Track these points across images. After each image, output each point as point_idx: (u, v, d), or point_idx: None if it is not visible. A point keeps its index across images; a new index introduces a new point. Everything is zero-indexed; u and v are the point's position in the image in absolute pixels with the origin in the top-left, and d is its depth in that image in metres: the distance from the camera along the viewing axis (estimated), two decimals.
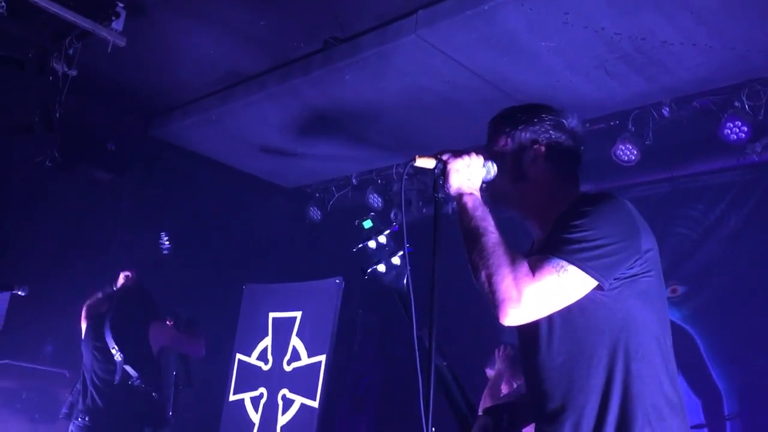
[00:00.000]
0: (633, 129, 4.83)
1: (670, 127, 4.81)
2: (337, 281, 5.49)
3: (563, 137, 2.03)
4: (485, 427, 2.00)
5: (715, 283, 4.81)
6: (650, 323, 1.79)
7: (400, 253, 2.03)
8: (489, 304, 1.71)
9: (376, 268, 1.98)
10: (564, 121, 2.04)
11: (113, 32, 4.21)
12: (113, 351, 4.63)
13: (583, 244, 1.69)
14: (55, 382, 5.55)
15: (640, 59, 4.18)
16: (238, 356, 6.32)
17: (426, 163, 1.86)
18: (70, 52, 4.46)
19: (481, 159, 1.89)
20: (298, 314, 5.98)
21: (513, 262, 1.70)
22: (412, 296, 1.92)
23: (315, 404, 5.48)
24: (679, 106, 4.65)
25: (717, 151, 4.76)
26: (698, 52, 4.05)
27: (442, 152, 1.88)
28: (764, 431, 4.31)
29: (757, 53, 4.04)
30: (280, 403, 5.93)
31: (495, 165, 1.94)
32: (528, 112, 2.05)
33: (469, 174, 1.85)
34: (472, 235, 1.77)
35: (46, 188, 5.49)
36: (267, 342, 6.11)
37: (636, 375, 1.74)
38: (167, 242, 4.77)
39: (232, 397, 6.25)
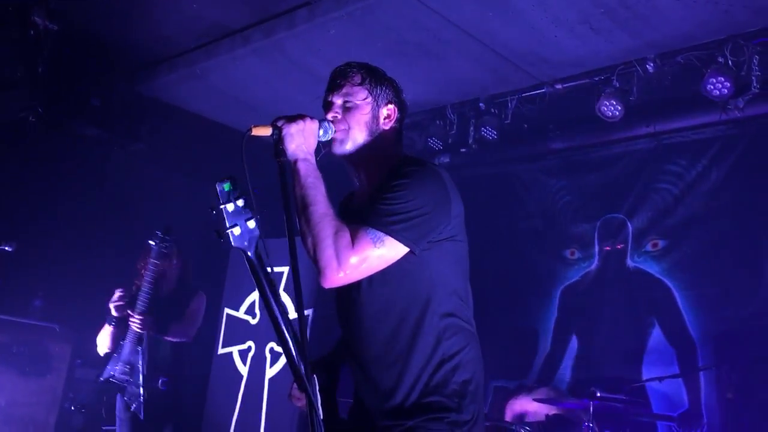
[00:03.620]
0: (617, 85, 4.85)
1: (654, 83, 4.84)
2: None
3: (403, 104, 2.24)
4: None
5: (694, 237, 4.90)
6: (453, 281, 2.03)
7: (257, 216, 2.06)
8: (314, 268, 1.90)
9: (231, 232, 2.00)
10: (402, 90, 2.26)
11: None
12: None
13: (398, 216, 1.89)
14: (46, 336, 5.60)
15: (624, 14, 4.17)
16: (227, 310, 6.40)
17: (263, 131, 1.95)
18: (51, 5, 4.40)
19: (316, 123, 2.01)
20: (285, 269, 6.05)
21: (336, 233, 1.87)
22: (264, 262, 2.00)
23: None
24: (663, 62, 4.66)
25: (700, 106, 4.80)
26: (682, 6, 4.05)
27: (278, 119, 1.98)
28: (736, 382, 4.44)
29: (741, 8, 4.04)
30: (268, 356, 6.03)
31: (333, 126, 2.07)
32: (382, 74, 2.22)
33: (303, 138, 1.96)
34: (302, 203, 1.93)
35: (31, 144, 5.48)
36: (255, 296, 6.19)
37: (442, 326, 1.98)
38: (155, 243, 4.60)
39: (220, 351, 6.35)
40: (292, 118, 1.98)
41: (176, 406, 4.49)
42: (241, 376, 6.14)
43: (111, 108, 5.76)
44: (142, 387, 4.28)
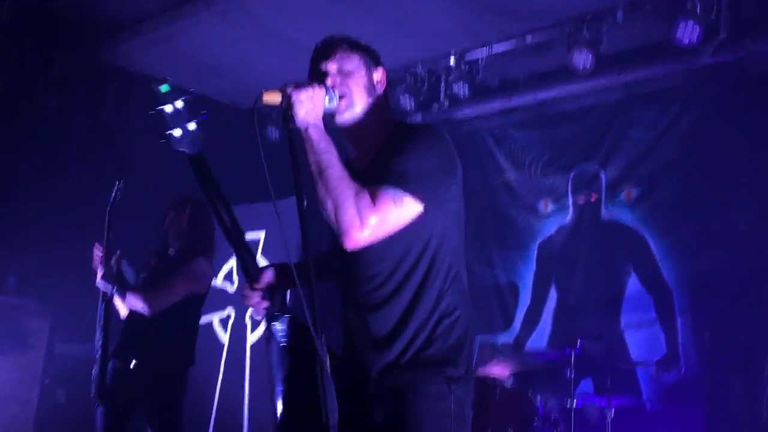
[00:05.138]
0: (587, 35, 4.83)
1: (623, 32, 4.83)
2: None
3: (385, 69, 2.25)
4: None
5: (667, 185, 4.95)
6: (456, 240, 2.10)
7: (197, 118, 2.08)
8: (335, 230, 1.93)
9: (171, 133, 2.03)
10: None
11: None
12: None
13: (414, 175, 1.94)
14: (22, 313, 5.54)
15: None
16: None
17: (272, 97, 1.95)
18: None
19: (323, 90, 2.01)
20: (261, 234, 6.03)
21: (356, 194, 1.90)
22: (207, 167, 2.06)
23: None
24: (633, 10, 4.65)
25: (670, 54, 4.81)
26: None
27: (286, 85, 1.97)
28: (712, 324, 4.55)
29: None
30: (249, 322, 6.05)
31: (338, 94, 2.06)
32: (362, 43, 2.23)
33: (312, 105, 1.96)
34: (318, 168, 1.93)
35: None
36: (232, 263, 6.17)
37: (445, 282, 2.04)
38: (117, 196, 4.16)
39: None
40: (301, 85, 1.96)
41: (149, 390, 3.80)
42: (223, 344, 6.15)
43: (74, 77, 5.62)
44: (97, 365, 3.70)
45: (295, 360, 2.04)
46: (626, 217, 5.11)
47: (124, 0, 5.07)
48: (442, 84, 5.70)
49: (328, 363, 1.77)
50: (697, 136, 4.86)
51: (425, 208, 1.96)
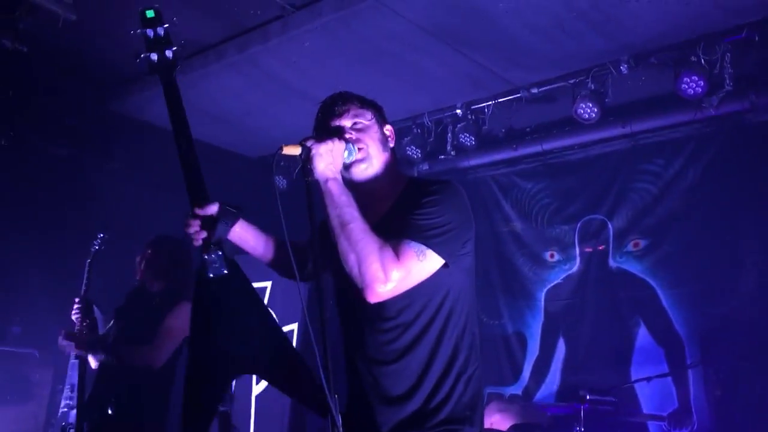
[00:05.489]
0: (592, 87, 4.88)
1: (628, 84, 4.88)
2: None
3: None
4: None
5: (674, 235, 4.94)
6: (470, 295, 2.10)
7: (174, 48, 2.19)
8: (357, 284, 1.92)
9: (149, 56, 2.15)
10: None
11: (63, 5, 4.10)
12: None
13: (437, 230, 1.94)
14: (25, 363, 5.50)
15: (597, 17, 4.21)
16: None
17: (292, 150, 1.96)
18: (20, 27, 4.33)
19: (343, 144, 2.03)
20: (268, 284, 6.00)
21: (380, 248, 1.90)
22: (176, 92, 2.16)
23: None
24: (637, 63, 4.70)
25: (675, 106, 4.85)
26: (654, 9, 4.09)
27: (307, 139, 1.99)
28: (725, 376, 4.47)
29: (712, 8, 4.09)
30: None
31: (356, 147, 2.08)
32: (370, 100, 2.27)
33: (331, 158, 1.97)
34: (340, 221, 1.93)
35: (4, 167, 5.37)
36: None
37: (460, 339, 2.03)
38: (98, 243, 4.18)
39: None
40: (321, 138, 1.98)
41: None
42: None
43: (84, 127, 5.68)
44: (76, 416, 3.63)
45: (221, 295, 2.03)
46: (634, 267, 5.08)
47: (132, 51, 5.14)
48: (449, 134, 5.74)
49: (340, 422, 1.73)
50: (704, 187, 4.87)
51: (446, 263, 1.96)
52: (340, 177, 2.00)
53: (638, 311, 4.99)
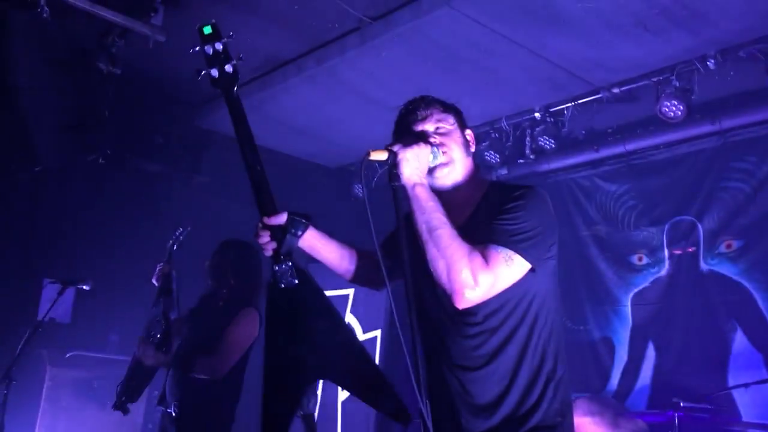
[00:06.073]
0: (677, 84, 4.73)
1: (716, 80, 4.70)
2: None
3: None
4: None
5: None
6: (555, 299, 2.07)
7: (234, 62, 2.16)
8: (446, 290, 1.90)
9: (210, 72, 2.12)
10: None
11: (153, 28, 4.30)
12: None
13: (524, 235, 1.93)
14: (123, 370, 5.74)
15: (680, 13, 4.08)
16: None
17: (379, 156, 1.96)
18: (113, 50, 4.57)
19: (429, 148, 2.01)
20: (350, 291, 6.07)
21: (470, 254, 1.88)
22: (240, 107, 2.16)
23: None
24: (725, 58, 4.53)
25: (766, 100, 4.65)
26: (741, 1, 3.94)
27: (393, 144, 1.98)
28: None
29: None
30: None
31: (441, 152, 2.07)
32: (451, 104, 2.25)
33: (418, 163, 1.96)
34: (429, 227, 1.92)
35: (101, 184, 5.67)
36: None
37: (547, 344, 2.00)
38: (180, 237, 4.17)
39: None
40: (408, 143, 1.98)
41: None
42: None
43: (173, 144, 5.93)
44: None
45: (292, 306, 2.03)
46: (728, 270, 4.87)
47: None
48: (527, 138, 5.67)
49: (431, 427, 1.70)
50: None
51: (533, 268, 1.94)
52: (426, 182, 1.99)
53: (734, 315, 4.78)
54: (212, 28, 2.15)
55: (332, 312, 2.15)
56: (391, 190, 1.94)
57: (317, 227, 2.25)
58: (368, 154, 1.94)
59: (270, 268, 2.08)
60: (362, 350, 2.12)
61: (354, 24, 4.64)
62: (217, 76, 2.16)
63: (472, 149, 2.19)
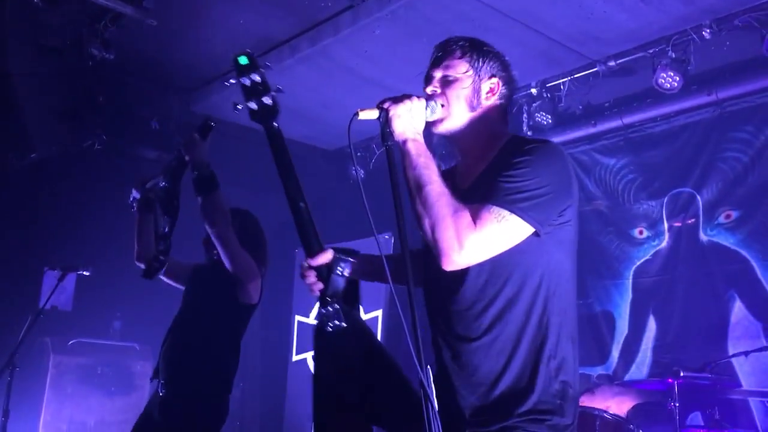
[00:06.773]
0: (673, 55, 4.71)
1: (712, 50, 4.68)
2: (386, 236, 5.55)
3: (510, 78, 2.09)
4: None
5: None
6: (568, 269, 1.90)
7: (272, 93, 2.06)
8: (432, 251, 1.77)
9: (247, 105, 2.02)
10: (509, 64, 2.10)
11: (144, 12, 4.28)
12: None
13: (523, 194, 1.75)
14: (127, 356, 5.79)
15: None
16: (297, 318, 6.48)
17: (369, 114, 1.87)
18: (106, 35, 4.55)
19: (423, 101, 1.90)
20: (378, 313, 6.05)
21: (455, 212, 1.75)
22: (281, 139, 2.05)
23: None
24: (721, 27, 4.50)
25: (763, 69, 4.62)
26: None
27: (384, 101, 1.89)
28: None
29: None
30: None
31: (439, 104, 1.96)
32: (486, 45, 2.08)
33: (411, 118, 1.85)
34: (416, 184, 1.80)
35: (99, 171, 5.66)
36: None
37: (552, 312, 1.84)
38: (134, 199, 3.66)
39: (294, 358, 6.43)
40: (399, 99, 1.86)
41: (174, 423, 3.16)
42: None
43: (169, 129, 5.91)
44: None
45: (340, 348, 1.94)
46: (727, 240, 4.88)
47: (211, 53, 5.32)
48: (524, 114, 5.66)
49: (434, 396, 1.60)
50: None
51: (536, 231, 1.78)
52: (420, 137, 1.87)
53: (733, 285, 4.79)
54: (248, 58, 2.02)
55: (382, 354, 2.03)
56: (385, 152, 1.83)
57: (359, 256, 2.13)
58: (357, 114, 1.85)
59: (315, 307, 2.01)
60: (412, 391, 1.91)
61: (347, 2, 4.62)
62: (256, 109, 2.04)
63: (489, 101, 2.00)
